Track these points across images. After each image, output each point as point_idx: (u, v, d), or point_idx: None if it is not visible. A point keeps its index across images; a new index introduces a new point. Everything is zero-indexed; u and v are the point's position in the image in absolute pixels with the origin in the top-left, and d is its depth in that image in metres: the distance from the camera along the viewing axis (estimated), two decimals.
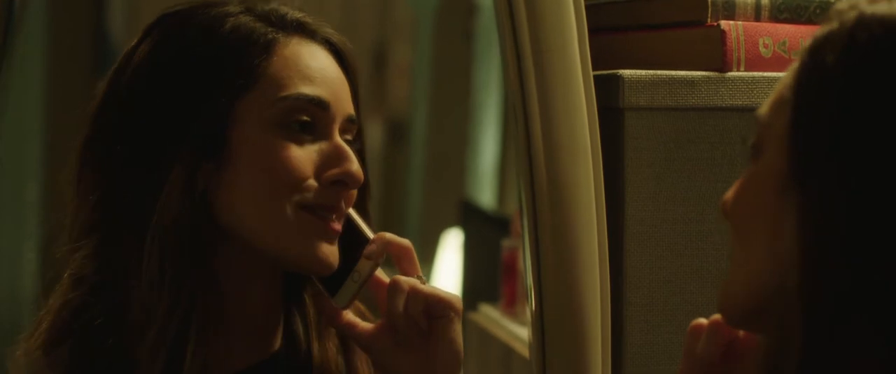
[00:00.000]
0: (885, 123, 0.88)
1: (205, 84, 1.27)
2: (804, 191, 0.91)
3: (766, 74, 1.50)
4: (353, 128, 1.33)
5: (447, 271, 4.15)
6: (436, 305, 1.29)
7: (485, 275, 2.91)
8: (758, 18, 1.54)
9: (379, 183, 5.53)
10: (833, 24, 0.92)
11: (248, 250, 1.28)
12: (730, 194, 1.02)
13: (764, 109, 0.98)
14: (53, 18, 4.34)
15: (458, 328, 1.29)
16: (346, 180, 1.29)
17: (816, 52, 0.92)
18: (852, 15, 0.90)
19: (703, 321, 1.09)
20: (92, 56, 4.41)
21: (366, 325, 1.33)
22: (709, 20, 1.51)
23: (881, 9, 0.89)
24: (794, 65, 0.95)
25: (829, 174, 0.89)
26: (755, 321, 1.00)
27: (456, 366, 1.29)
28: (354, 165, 1.29)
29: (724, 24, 1.50)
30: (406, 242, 1.31)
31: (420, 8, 5.36)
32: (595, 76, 1.46)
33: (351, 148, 1.30)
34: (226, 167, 1.27)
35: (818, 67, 0.91)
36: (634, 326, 1.46)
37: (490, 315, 2.28)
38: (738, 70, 1.50)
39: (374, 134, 5.92)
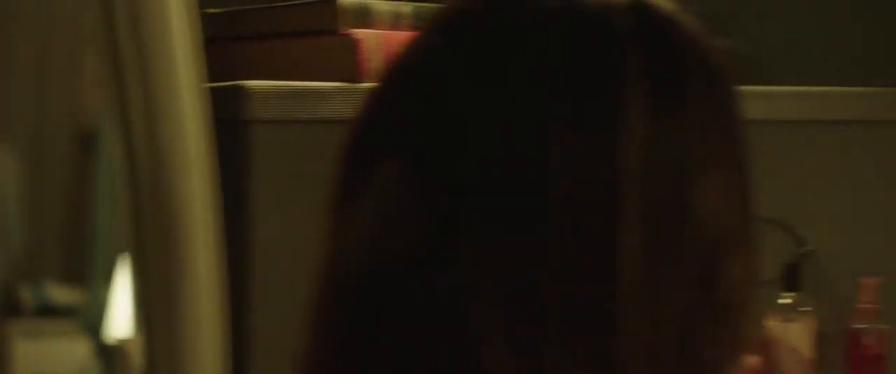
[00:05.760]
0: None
1: None
2: None
3: None
4: None
5: None
6: None
7: None
8: (397, 27, 1.49)
9: None
10: None
11: None
12: None
13: None
14: None
15: None
16: None
17: None
18: None
19: None
20: None
21: None
22: (341, 29, 1.45)
23: None
24: None
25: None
26: None
27: None
28: None
29: (358, 32, 1.44)
30: None
31: None
32: (218, 87, 1.38)
33: None
34: None
35: None
36: (263, 353, 1.39)
37: None
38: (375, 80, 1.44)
39: None
